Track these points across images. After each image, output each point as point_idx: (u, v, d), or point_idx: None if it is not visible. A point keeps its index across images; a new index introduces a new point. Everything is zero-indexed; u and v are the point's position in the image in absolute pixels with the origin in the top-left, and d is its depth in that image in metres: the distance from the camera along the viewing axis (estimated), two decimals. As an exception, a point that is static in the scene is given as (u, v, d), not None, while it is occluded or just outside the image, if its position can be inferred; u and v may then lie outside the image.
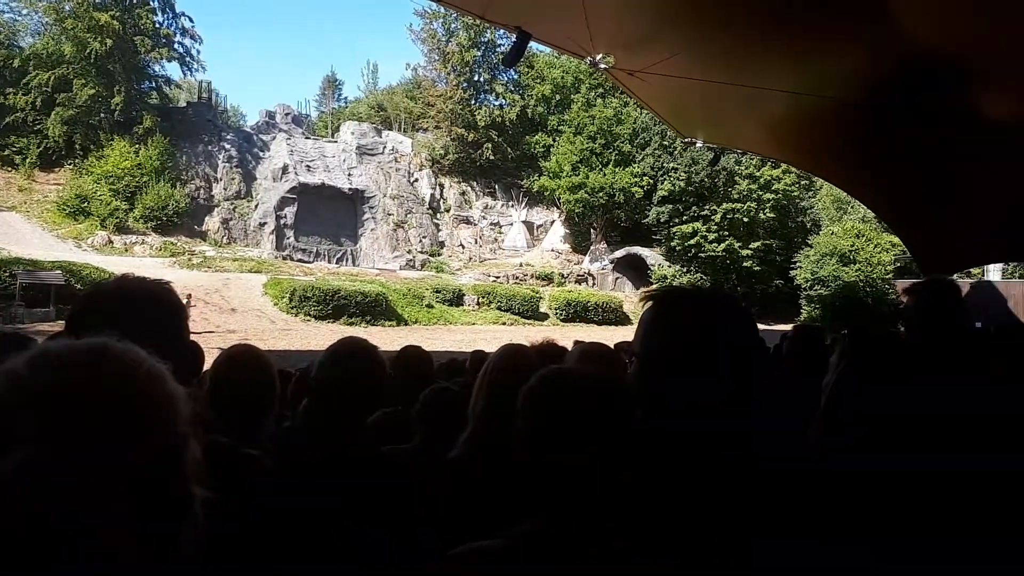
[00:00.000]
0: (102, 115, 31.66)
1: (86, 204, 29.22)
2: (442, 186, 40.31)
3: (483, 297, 28.45)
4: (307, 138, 38.60)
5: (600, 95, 37.18)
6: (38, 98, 30.68)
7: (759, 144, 9.64)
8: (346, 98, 57.80)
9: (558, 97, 40.11)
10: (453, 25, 39.44)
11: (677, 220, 34.24)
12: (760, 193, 33.59)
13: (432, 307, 27.02)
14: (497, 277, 32.72)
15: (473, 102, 40.20)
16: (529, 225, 39.90)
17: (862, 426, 1.48)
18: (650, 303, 1.14)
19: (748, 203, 33.37)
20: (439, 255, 36.74)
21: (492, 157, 39.78)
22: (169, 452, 0.64)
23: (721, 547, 0.94)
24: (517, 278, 33.07)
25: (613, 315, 29.66)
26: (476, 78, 40.62)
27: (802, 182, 34.80)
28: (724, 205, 33.46)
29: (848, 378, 1.81)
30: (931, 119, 5.54)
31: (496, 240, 39.22)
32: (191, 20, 36.14)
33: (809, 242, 31.90)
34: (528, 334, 19.85)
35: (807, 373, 2.73)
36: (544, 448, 0.98)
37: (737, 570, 0.94)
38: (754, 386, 1.17)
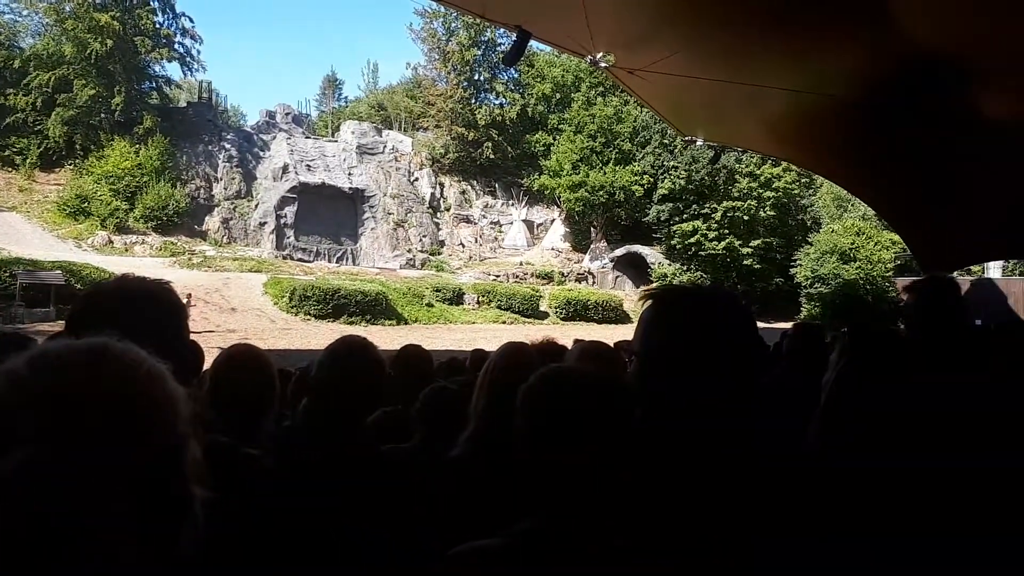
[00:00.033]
0: (102, 115, 31.63)
1: (86, 204, 29.21)
2: (442, 185, 40.27)
3: (483, 296, 28.43)
4: (307, 137, 38.55)
5: (600, 94, 37.10)
6: (38, 99, 30.67)
7: (759, 142, 9.64)
8: (346, 97, 57.87)
9: (558, 96, 40.04)
10: (453, 24, 39.38)
11: (677, 218, 34.21)
12: (760, 191, 33.57)
13: (432, 306, 27.01)
14: (497, 276, 32.69)
15: (473, 101, 40.13)
16: (529, 224, 39.86)
17: (862, 423, 1.48)
18: (650, 302, 1.14)
19: (748, 201, 33.35)
20: (439, 254, 36.72)
21: (492, 156, 39.71)
22: (169, 452, 0.64)
23: (721, 545, 0.94)
24: (517, 277, 33.04)
25: (613, 314, 29.62)
26: (476, 77, 40.55)
27: (802, 180, 34.78)
28: (724, 203, 33.43)
29: (848, 376, 1.81)
30: (931, 119, 5.54)
31: (496, 239, 39.18)
32: (191, 20, 36.17)
33: (809, 240, 31.84)
34: (528, 333, 19.79)
35: (807, 371, 2.73)
36: (544, 447, 0.98)
37: (737, 568, 0.94)
38: (754, 384, 1.17)
